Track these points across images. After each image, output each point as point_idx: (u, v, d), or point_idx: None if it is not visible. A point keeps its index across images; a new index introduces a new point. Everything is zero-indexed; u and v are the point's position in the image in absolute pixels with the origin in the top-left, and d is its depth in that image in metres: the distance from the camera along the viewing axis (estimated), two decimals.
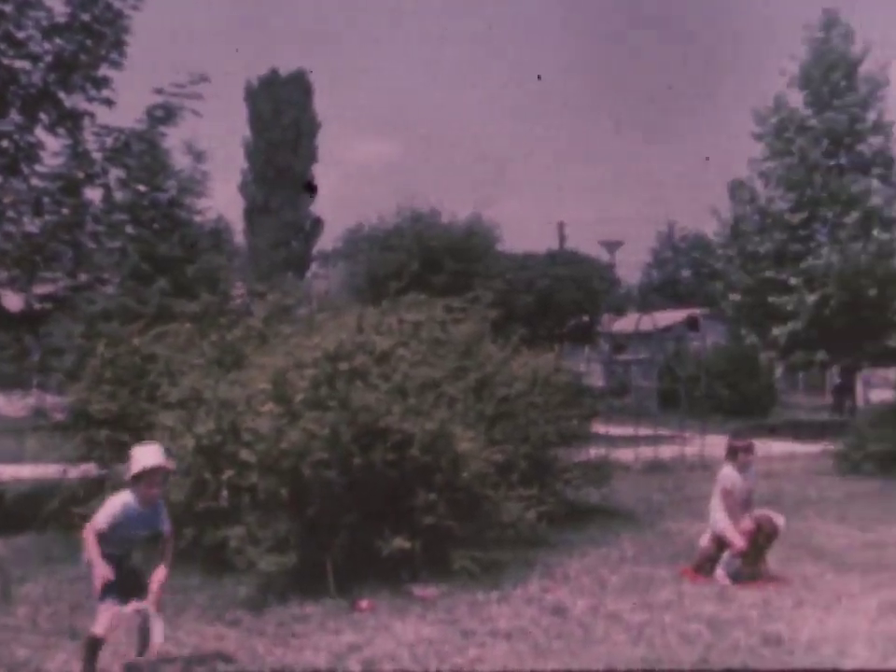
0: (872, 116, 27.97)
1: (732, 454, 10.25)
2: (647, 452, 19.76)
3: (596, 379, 35.49)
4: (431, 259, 30.46)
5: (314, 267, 58.25)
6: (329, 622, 8.56)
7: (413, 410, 10.05)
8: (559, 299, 35.13)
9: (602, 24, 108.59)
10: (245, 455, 9.72)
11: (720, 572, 9.94)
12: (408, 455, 9.74)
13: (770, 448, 21.89)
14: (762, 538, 9.99)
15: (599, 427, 16.91)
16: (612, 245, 46.47)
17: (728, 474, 10.18)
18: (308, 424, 9.54)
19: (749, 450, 10.25)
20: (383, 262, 30.98)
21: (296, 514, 9.67)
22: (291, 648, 7.87)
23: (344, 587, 9.31)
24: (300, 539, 9.57)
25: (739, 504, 10.09)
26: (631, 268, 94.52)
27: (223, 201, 55.44)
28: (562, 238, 52.38)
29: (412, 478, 9.83)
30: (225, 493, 10.22)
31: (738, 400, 34.13)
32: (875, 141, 27.92)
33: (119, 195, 14.94)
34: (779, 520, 10.20)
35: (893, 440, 17.76)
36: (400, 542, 9.53)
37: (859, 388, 31.68)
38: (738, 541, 9.89)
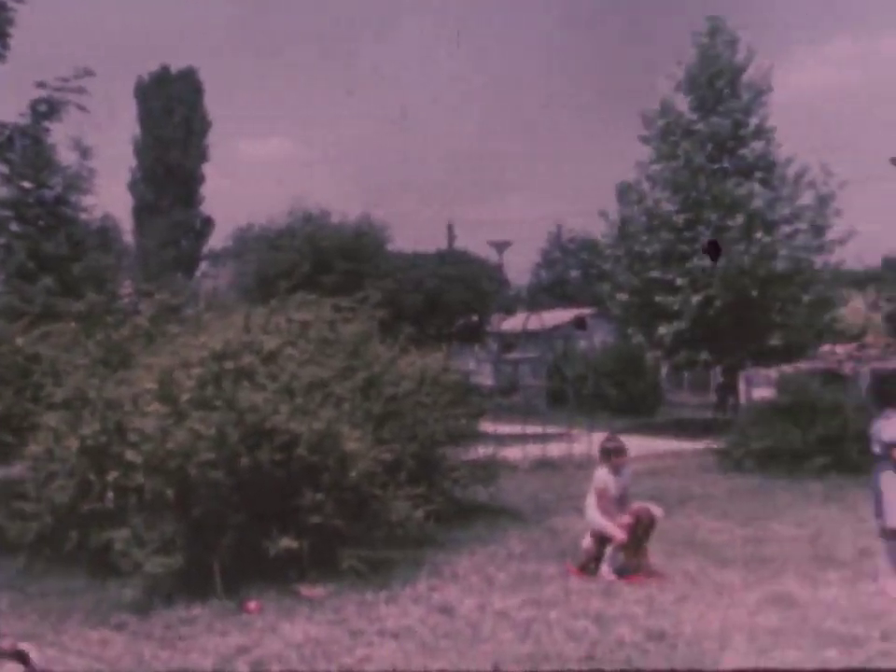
0: (754, 121, 28.48)
1: (605, 456, 10.49)
2: (535, 450, 19.91)
3: (485, 378, 35.72)
4: (322, 259, 30.36)
5: (203, 266, 57.53)
6: (217, 623, 8.49)
7: (300, 409, 10.02)
8: (448, 298, 35.21)
9: (494, 29, 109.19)
10: (130, 455, 9.60)
11: (604, 568, 10.09)
12: (295, 455, 9.71)
13: (655, 446, 22.24)
14: (641, 529, 10.18)
15: (488, 426, 16.98)
16: (501, 246, 46.74)
17: (601, 476, 10.41)
18: (194, 424, 9.45)
19: (620, 452, 10.49)
20: (273, 262, 30.80)
21: (182, 515, 9.57)
22: (178, 651, 7.80)
23: (232, 588, 9.24)
24: (186, 540, 9.47)
25: (613, 503, 10.29)
26: (520, 268, 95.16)
27: (111, 199, 54.59)
28: (451, 238, 52.55)
29: (299, 478, 9.80)
30: (110, 494, 10.08)
31: (625, 399, 34.59)
32: (758, 146, 28.43)
33: (2, 191, 14.63)
34: (656, 510, 10.42)
35: (773, 437, 18.15)
36: (288, 542, 9.50)
37: (742, 387, 32.28)
38: (619, 534, 10.07)
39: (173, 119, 55.56)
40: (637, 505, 10.40)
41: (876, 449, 9.76)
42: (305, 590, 9.39)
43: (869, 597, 9.35)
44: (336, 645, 7.87)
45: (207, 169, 57.41)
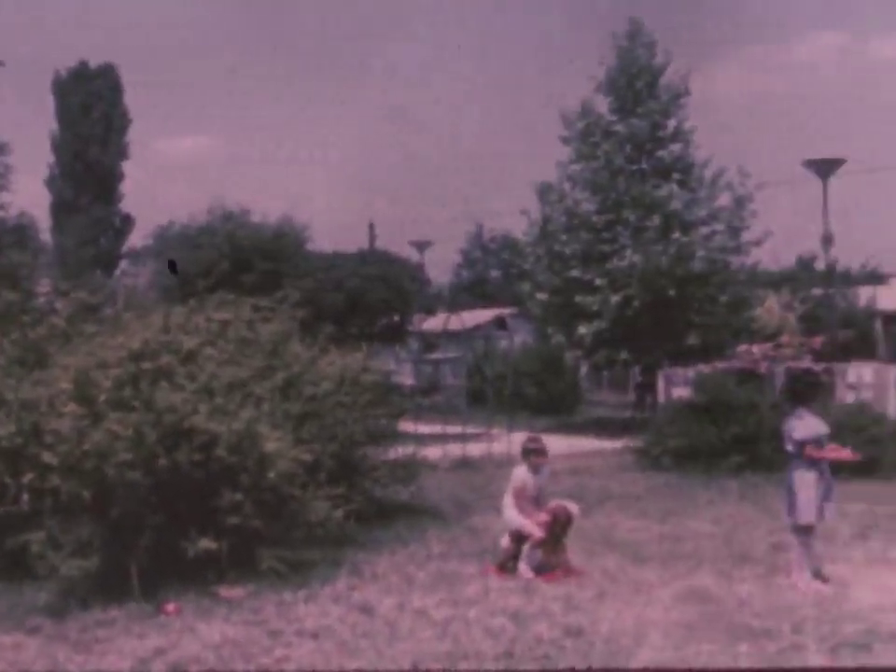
0: (672, 123, 28.86)
1: (525, 455, 10.59)
2: (455, 449, 19.98)
3: (406, 378, 35.69)
4: (241, 259, 30.17)
5: (123, 265, 56.86)
6: (134, 626, 8.43)
7: (219, 410, 9.98)
8: (369, 298, 35.18)
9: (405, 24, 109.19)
10: (46, 457, 9.48)
11: (522, 566, 10.17)
12: (214, 456, 9.67)
13: (574, 445, 22.40)
14: (558, 527, 10.28)
15: (408, 426, 17.04)
16: (422, 246, 46.82)
17: (520, 474, 10.50)
18: (112, 425, 9.36)
19: (540, 452, 10.59)
20: (193, 261, 30.52)
21: (99, 517, 9.49)
22: (94, 654, 7.74)
23: (150, 590, 9.18)
24: (103, 542, 9.40)
25: (531, 502, 10.39)
26: (441, 268, 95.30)
27: (28, 196, 53.60)
28: (372, 238, 52.58)
29: (218, 478, 9.77)
30: (26, 496, 9.96)
31: (545, 398, 34.78)
32: (675, 148, 28.79)
33: None
34: (573, 508, 10.53)
35: (690, 436, 18.39)
36: (206, 543, 9.46)
37: (660, 386, 32.59)
38: (536, 532, 10.15)
39: (92, 116, 54.83)
40: (554, 503, 10.51)
41: (789, 447, 9.95)
42: (224, 591, 9.36)
43: (781, 592, 9.55)
44: (254, 646, 7.86)
45: (127, 166, 56.78)
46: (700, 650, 7.72)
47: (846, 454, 10.09)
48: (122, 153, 56.27)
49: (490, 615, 8.65)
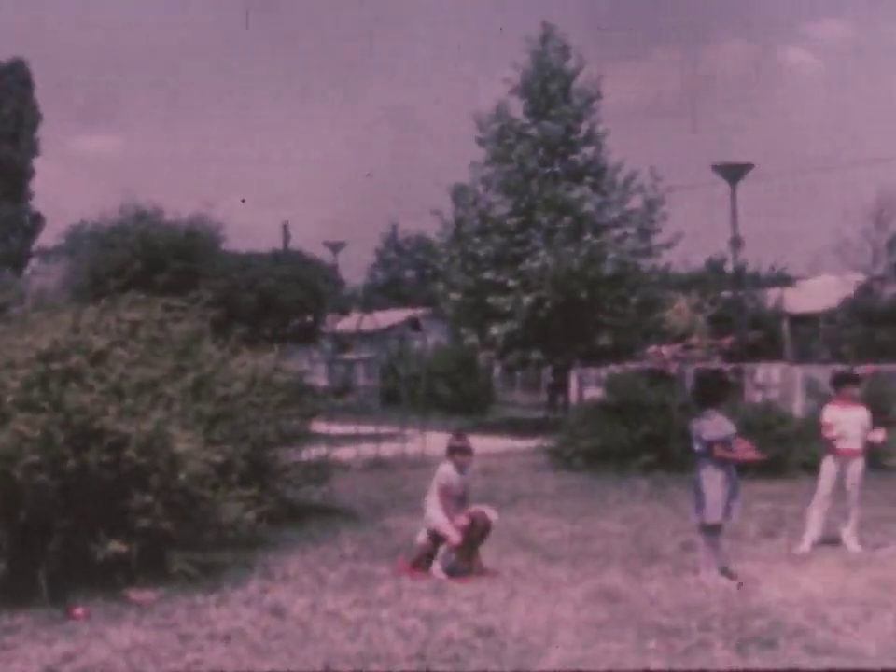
0: (585, 127, 29.13)
1: (450, 453, 10.58)
2: (369, 450, 19.96)
3: (320, 378, 35.58)
4: (154, 258, 29.87)
5: (33, 264, 55.94)
6: (42, 631, 8.29)
7: (129, 411, 9.86)
8: (282, 298, 35.01)
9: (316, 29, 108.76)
10: None
11: (436, 567, 10.20)
12: (123, 457, 9.55)
13: (487, 445, 22.49)
14: (476, 532, 10.30)
15: (321, 427, 16.98)
16: (336, 246, 46.74)
17: (445, 472, 10.48)
18: (19, 426, 9.20)
19: (465, 451, 10.58)
20: (104, 260, 30.16)
21: (6, 521, 9.31)
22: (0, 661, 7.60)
23: (58, 594, 9.03)
24: (10, 545, 9.22)
25: (454, 501, 10.40)
26: (356, 268, 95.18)
27: None
28: (286, 238, 52.29)
29: (127, 480, 9.65)
30: None
31: (458, 398, 34.90)
32: (588, 151, 29.08)
33: None
34: (492, 515, 10.56)
35: (602, 436, 18.57)
36: (116, 546, 9.34)
37: (573, 386, 32.85)
38: (454, 536, 10.17)
39: (1, 112, 53.92)
40: (473, 508, 10.51)
41: (697, 447, 10.11)
42: (134, 594, 9.25)
43: (689, 590, 9.68)
44: (165, 650, 7.78)
45: (38, 163, 55.88)
46: (610, 648, 7.80)
47: (752, 454, 10.26)
48: (33, 150, 55.37)
49: (402, 616, 8.65)
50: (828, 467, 11.82)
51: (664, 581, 10.04)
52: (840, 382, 12.20)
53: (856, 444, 11.70)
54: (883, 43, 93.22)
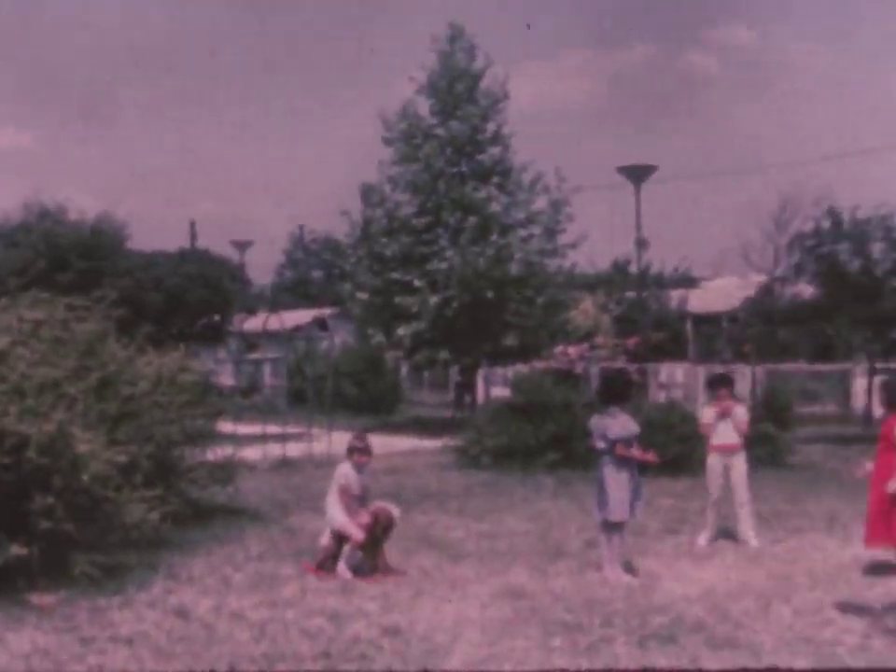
0: (492, 127, 29.22)
1: (350, 452, 10.62)
2: (275, 450, 19.84)
3: (227, 378, 35.33)
4: (58, 257, 29.50)
5: None
6: None
7: (30, 411, 9.71)
8: (189, 298, 34.81)
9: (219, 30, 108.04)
10: None
11: (341, 566, 10.20)
12: (24, 458, 9.40)
13: (395, 444, 22.52)
14: (379, 529, 10.32)
15: (228, 426, 16.87)
16: (243, 245, 46.51)
17: (345, 472, 10.50)
18: None
19: (364, 451, 10.62)
20: (7, 259, 29.69)
21: None
22: None
23: None
24: None
25: (355, 500, 10.42)
26: (264, 268, 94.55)
27: None
28: (193, 237, 51.89)
29: (29, 481, 9.50)
30: None
31: (366, 398, 34.86)
32: (495, 151, 29.15)
33: None
34: (394, 510, 10.60)
35: (508, 434, 18.69)
36: (17, 549, 9.19)
37: (479, 386, 33.06)
38: (357, 534, 10.18)
39: None
40: (376, 505, 10.55)
41: (600, 444, 10.25)
42: (35, 598, 9.11)
43: (593, 586, 9.80)
44: (66, 654, 7.68)
45: None
46: (514, 645, 7.87)
47: (650, 456, 10.45)
48: None
49: (307, 616, 8.65)
50: (711, 464, 12.22)
51: (568, 577, 10.16)
52: (715, 384, 12.64)
53: (732, 440, 12.05)
54: (783, 50, 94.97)
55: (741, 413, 12.30)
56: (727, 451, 12.07)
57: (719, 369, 26.39)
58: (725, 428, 12.08)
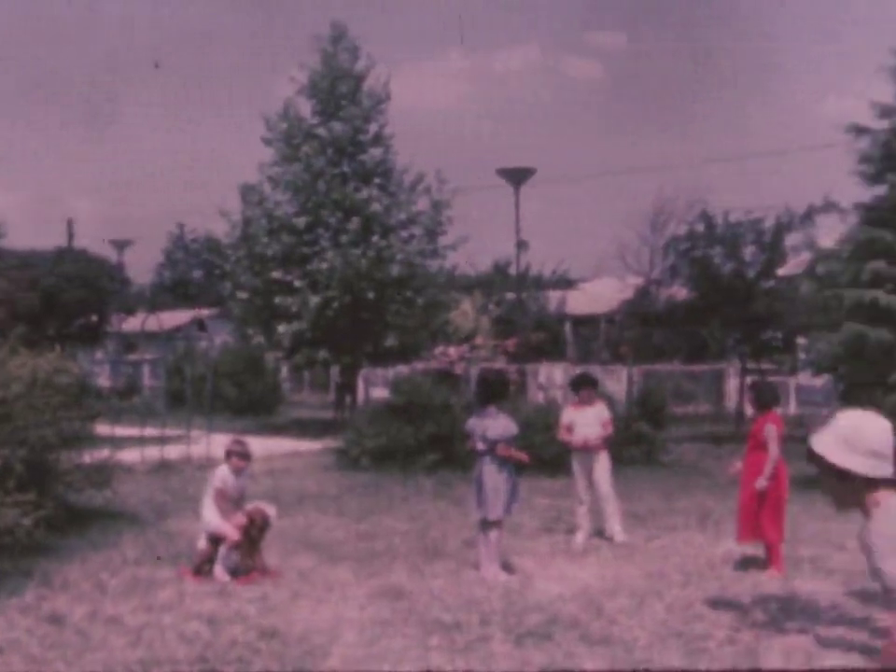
0: (373, 128, 29.23)
1: (227, 456, 10.58)
2: (154, 452, 19.61)
3: (105, 379, 34.85)
4: None
5: None
6: None
7: None
8: (66, 298, 34.20)
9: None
10: None
11: (218, 569, 10.14)
12: None
13: (275, 446, 22.42)
14: (254, 530, 10.29)
15: (106, 429, 16.65)
16: (122, 244, 45.80)
17: (222, 475, 10.45)
18: None
19: (242, 455, 10.58)
20: None
21: None
22: None
23: None
24: None
25: (231, 504, 10.38)
26: (143, 268, 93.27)
27: None
28: (71, 236, 50.91)
29: None
30: None
31: (245, 399, 34.60)
32: (376, 152, 29.16)
33: None
34: (270, 510, 10.58)
35: (388, 435, 18.73)
36: None
37: (360, 387, 33.06)
38: (232, 533, 10.15)
39: None
40: (251, 506, 10.52)
41: (480, 445, 10.35)
42: None
43: (471, 585, 9.90)
44: None
45: None
46: (392, 645, 7.93)
47: (522, 456, 10.60)
48: None
49: (184, 620, 8.59)
50: (574, 464, 12.42)
51: (446, 577, 10.26)
52: (577, 384, 12.83)
53: (592, 439, 12.26)
54: (658, 55, 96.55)
55: (604, 411, 12.52)
56: (588, 449, 12.28)
57: (597, 369, 26.79)
58: (586, 427, 12.27)
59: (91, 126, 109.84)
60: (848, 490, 4.18)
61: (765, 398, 11.03)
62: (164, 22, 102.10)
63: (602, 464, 12.33)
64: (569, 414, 12.52)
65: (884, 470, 4.15)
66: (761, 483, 10.53)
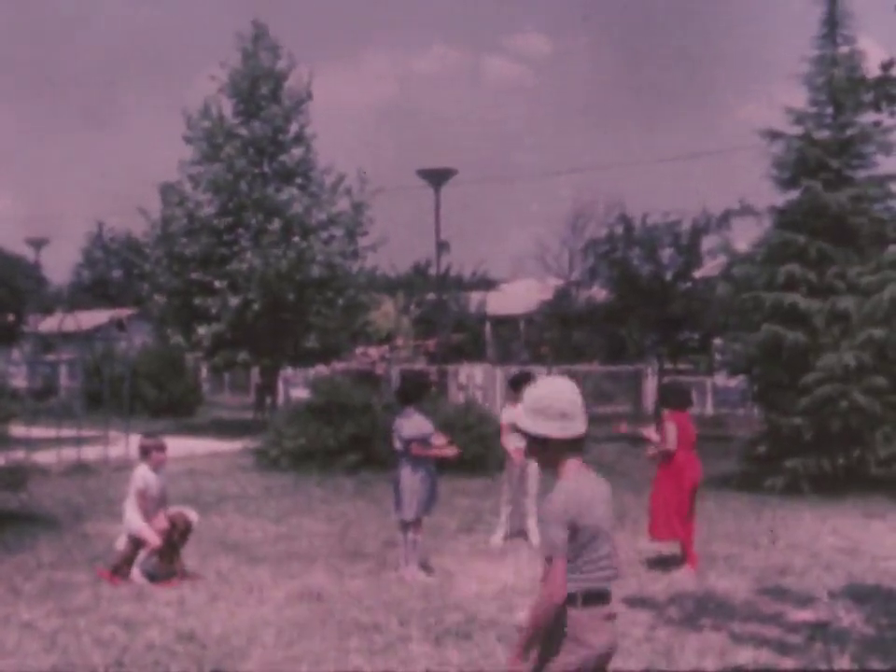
0: (294, 128, 29.12)
1: (144, 453, 10.44)
2: (70, 453, 19.38)
3: (21, 380, 34.32)
4: None
5: None
6: None
7: None
8: None
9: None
10: None
11: (136, 572, 10.07)
12: None
13: (194, 446, 22.26)
14: (176, 534, 10.23)
15: (21, 430, 16.43)
16: (38, 243, 45.18)
17: (142, 474, 10.34)
18: None
19: (161, 448, 10.47)
20: None
21: None
22: None
23: None
24: None
25: (154, 503, 10.29)
26: (61, 267, 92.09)
27: None
28: None
29: None
30: None
31: (165, 400, 34.35)
32: (297, 152, 29.04)
33: None
34: (192, 516, 10.52)
35: (307, 436, 18.67)
36: None
37: (280, 387, 32.95)
38: (154, 539, 10.08)
39: None
40: (173, 510, 10.43)
41: (398, 445, 10.38)
42: None
43: (390, 586, 9.95)
44: None
45: None
46: (311, 647, 7.94)
47: (448, 450, 10.62)
48: None
49: (101, 624, 8.52)
50: (509, 463, 12.46)
51: (366, 578, 10.29)
52: (518, 383, 12.77)
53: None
54: (580, 59, 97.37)
55: None
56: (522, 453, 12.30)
57: (516, 370, 26.93)
58: None
59: (10, 122, 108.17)
60: (547, 453, 4.47)
61: (670, 400, 11.22)
62: (86, 17, 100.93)
63: (534, 465, 12.35)
64: (510, 414, 12.42)
65: (574, 430, 4.41)
66: (649, 452, 11.25)
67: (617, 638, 4.48)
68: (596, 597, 4.38)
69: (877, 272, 16.78)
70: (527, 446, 4.56)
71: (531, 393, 4.51)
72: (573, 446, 4.46)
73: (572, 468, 4.45)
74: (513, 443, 12.23)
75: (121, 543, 10.31)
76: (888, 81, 8.69)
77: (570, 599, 4.32)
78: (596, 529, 4.42)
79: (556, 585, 4.29)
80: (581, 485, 4.43)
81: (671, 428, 10.87)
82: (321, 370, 30.00)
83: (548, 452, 4.46)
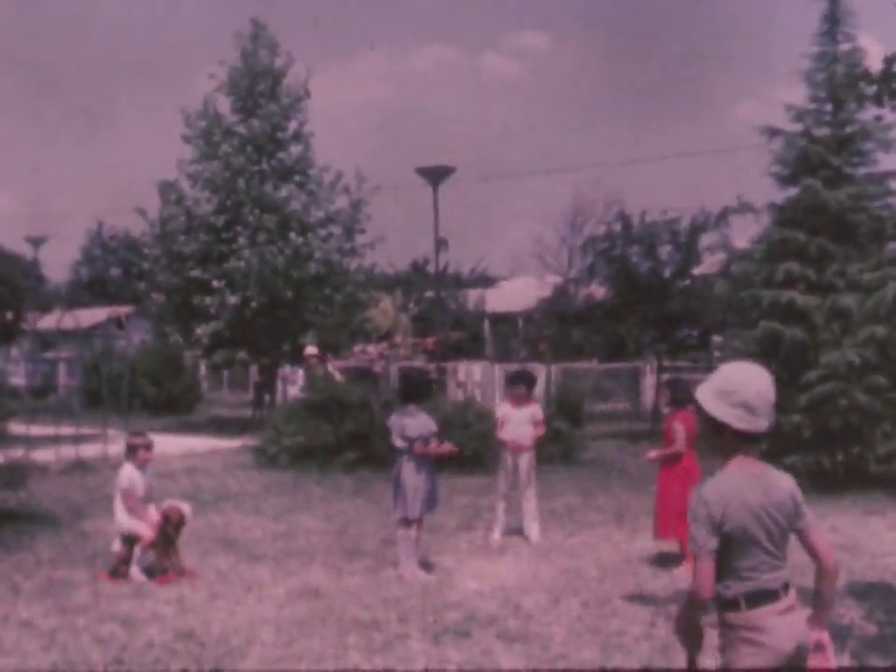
0: (293, 126, 29.11)
1: (131, 452, 10.42)
2: (69, 452, 19.37)
3: (20, 378, 34.32)
4: None
5: None
6: None
7: None
8: None
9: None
10: None
11: (134, 570, 10.05)
12: None
13: (193, 444, 22.27)
14: (170, 527, 10.20)
15: (21, 428, 16.43)
16: (37, 241, 45.16)
17: (127, 474, 10.34)
18: None
19: (148, 447, 10.46)
20: None
21: None
22: None
23: None
24: None
25: (141, 501, 10.29)
26: (60, 265, 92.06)
27: None
28: None
29: None
30: None
31: (163, 398, 34.39)
32: (295, 150, 29.03)
33: None
34: (185, 508, 10.49)
35: (306, 434, 18.65)
36: None
37: (279, 385, 32.91)
38: (147, 533, 10.07)
39: None
40: (166, 504, 10.42)
41: (399, 443, 10.36)
42: None
43: (389, 584, 9.93)
44: None
45: None
46: (310, 645, 7.93)
47: (447, 447, 10.63)
48: None
49: (100, 622, 8.51)
50: (503, 459, 12.49)
51: (365, 576, 10.27)
52: (515, 380, 12.85)
53: (523, 437, 12.34)
54: (579, 56, 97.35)
55: (538, 412, 12.60)
56: (517, 448, 12.32)
57: (514, 367, 26.93)
58: (518, 425, 12.32)
59: (10, 122, 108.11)
60: (720, 442, 4.22)
61: (680, 395, 11.21)
62: (79, 19, 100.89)
63: (527, 463, 12.38)
64: (504, 410, 12.53)
65: (754, 425, 4.15)
66: (650, 455, 11.26)
67: (802, 633, 4.26)
68: (762, 597, 4.19)
69: (878, 269, 16.74)
70: (701, 427, 4.33)
71: (722, 372, 4.24)
72: (748, 441, 4.21)
73: (735, 464, 4.20)
74: (508, 435, 12.30)
75: (116, 546, 10.28)
76: (891, 76, 8.70)
77: (731, 604, 4.21)
78: (748, 533, 4.18)
79: (697, 583, 4.19)
80: (733, 486, 4.18)
81: (679, 429, 10.87)
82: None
83: (721, 441, 4.22)
